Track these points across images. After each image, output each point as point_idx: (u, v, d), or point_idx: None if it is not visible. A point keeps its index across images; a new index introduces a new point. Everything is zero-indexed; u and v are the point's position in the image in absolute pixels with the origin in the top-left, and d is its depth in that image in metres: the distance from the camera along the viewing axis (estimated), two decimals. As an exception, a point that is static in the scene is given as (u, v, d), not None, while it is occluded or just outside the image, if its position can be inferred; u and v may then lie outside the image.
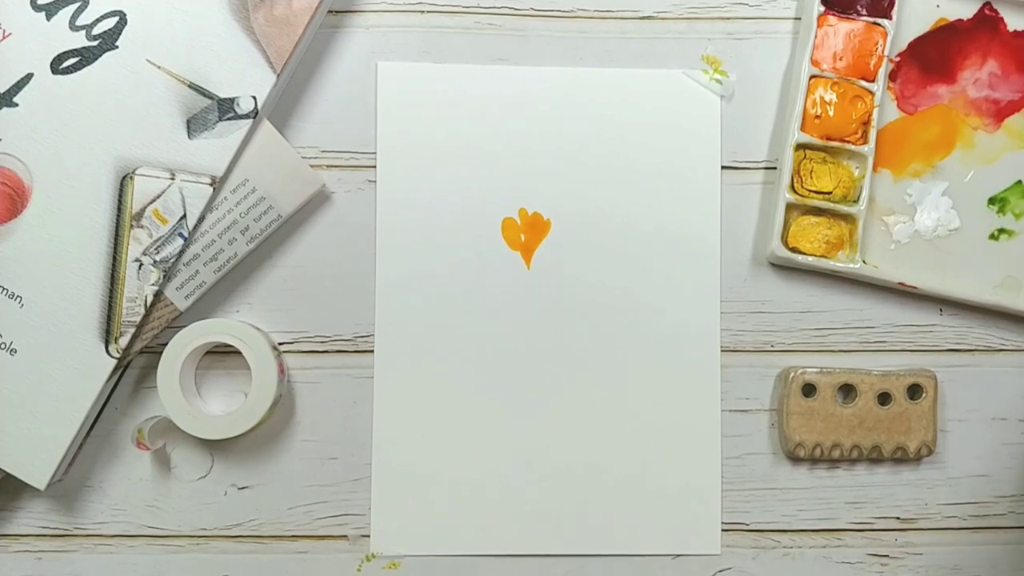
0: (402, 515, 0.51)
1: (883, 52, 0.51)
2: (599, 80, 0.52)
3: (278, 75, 0.48)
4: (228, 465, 0.51)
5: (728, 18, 0.53)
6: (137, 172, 0.48)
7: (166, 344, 0.48)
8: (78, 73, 0.48)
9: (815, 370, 0.51)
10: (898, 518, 0.52)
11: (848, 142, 0.51)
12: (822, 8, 0.51)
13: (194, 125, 0.48)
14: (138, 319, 0.48)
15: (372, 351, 0.51)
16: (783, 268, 0.52)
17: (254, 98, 0.48)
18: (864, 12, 0.51)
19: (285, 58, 0.48)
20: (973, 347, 0.53)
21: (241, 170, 0.49)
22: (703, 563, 0.52)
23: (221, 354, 0.51)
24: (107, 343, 0.48)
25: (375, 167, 0.52)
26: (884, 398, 0.52)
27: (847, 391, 0.52)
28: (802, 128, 0.51)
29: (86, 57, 0.48)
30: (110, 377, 0.48)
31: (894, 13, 0.51)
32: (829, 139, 0.51)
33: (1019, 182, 0.52)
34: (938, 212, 0.52)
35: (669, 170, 0.52)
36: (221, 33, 0.48)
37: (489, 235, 0.52)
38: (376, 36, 0.52)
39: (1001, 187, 0.52)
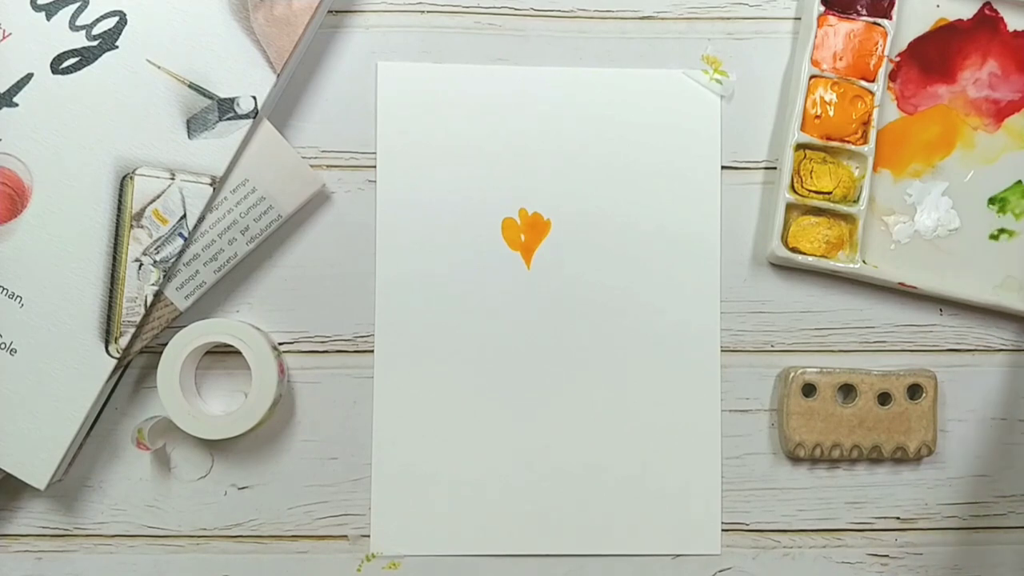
0: (402, 515, 0.51)
1: (883, 52, 0.51)
2: (599, 80, 0.52)
3: (278, 75, 0.48)
4: (228, 465, 0.51)
5: (728, 18, 0.53)
6: (137, 172, 0.48)
7: (166, 344, 0.48)
8: (78, 73, 0.48)
9: (815, 370, 0.51)
10: (898, 518, 0.52)
11: (848, 142, 0.51)
12: (822, 8, 0.51)
13: (194, 125, 0.48)
14: (138, 319, 0.48)
15: (372, 351, 0.51)
16: (783, 268, 0.52)
17: (254, 98, 0.48)
18: (864, 12, 0.51)
19: (285, 58, 0.48)
20: (973, 347, 0.53)
21: (241, 170, 0.49)
22: (703, 563, 0.52)
23: (221, 354, 0.51)
24: (107, 343, 0.48)
25: (375, 167, 0.52)
26: (884, 398, 0.52)
27: (847, 391, 0.52)
28: (802, 128, 0.51)
29: (86, 57, 0.48)
30: (110, 377, 0.48)
31: (894, 13, 0.51)
32: (829, 139, 0.51)
33: (1019, 182, 0.52)
34: (938, 212, 0.52)
35: (669, 170, 0.52)
36: (221, 33, 0.48)
37: (489, 235, 0.52)
38: (376, 36, 0.52)
39: (1001, 187, 0.52)
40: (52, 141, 0.47)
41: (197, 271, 0.49)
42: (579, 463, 0.51)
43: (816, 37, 0.51)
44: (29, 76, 0.47)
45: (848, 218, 0.51)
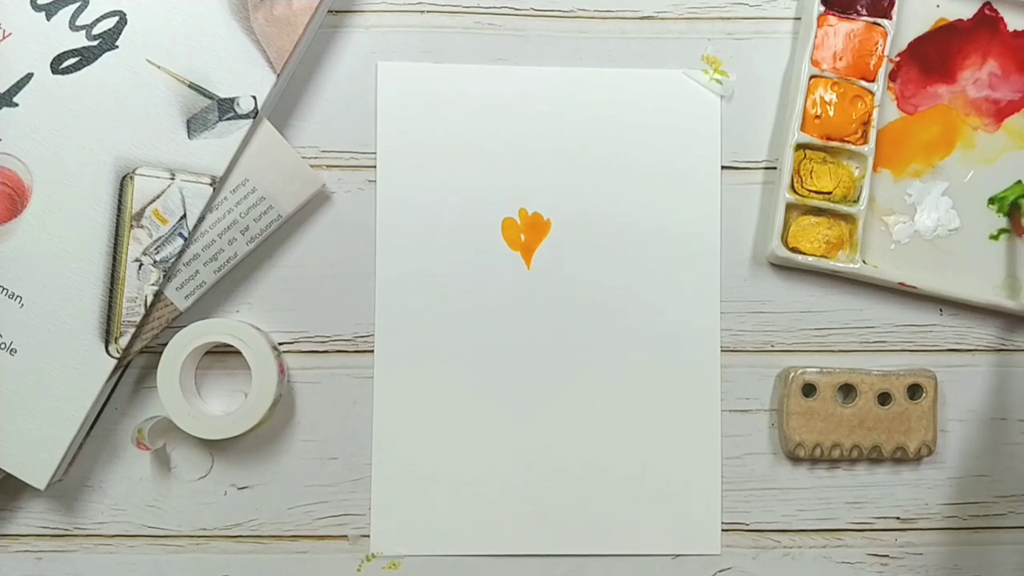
0: (402, 515, 0.51)
1: (883, 52, 0.51)
2: (599, 80, 0.52)
3: (278, 75, 0.48)
4: (228, 465, 0.51)
5: (728, 18, 0.53)
6: (137, 172, 0.48)
7: (166, 344, 0.48)
8: (78, 73, 0.48)
9: (815, 370, 0.51)
10: (898, 518, 0.52)
11: (848, 142, 0.51)
12: (822, 8, 0.51)
13: (194, 125, 0.48)
14: (138, 319, 0.48)
15: (372, 351, 0.51)
16: (783, 268, 0.52)
17: (254, 98, 0.48)
18: (864, 12, 0.51)
19: (285, 58, 0.48)
20: (973, 347, 0.53)
21: (241, 170, 0.49)
22: (703, 563, 0.52)
23: (221, 354, 0.51)
24: (107, 343, 0.48)
25: (375, 167, 0.52)
26: (884, 398, 0.52)
27: (847, 391, 0.52)
28: (802, 128, 0.51)
29: (86, 57, 0.48)
30: (110, 377, 0.48)
31: (894, 13, 0.51)
32: (829, 139, 0.51)
33: (1019, 182, 0.52)
34: (938, 212, 0.52)
35: (669, 170, 0.52)
36: (221, 33, 0.48)
37: (489, 235, 0.52)
38: (376, 36, 0.52)
39: (1001, 187, 0.52)
40: (52, 141, 0.47)
41: (197, 271, 0.49)
42: (579, 463, 0.51)
43: (816, 37, 0.51)
44: (29, 76, 0.47)
45: (848, 218, 0.51)
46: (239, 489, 0.51)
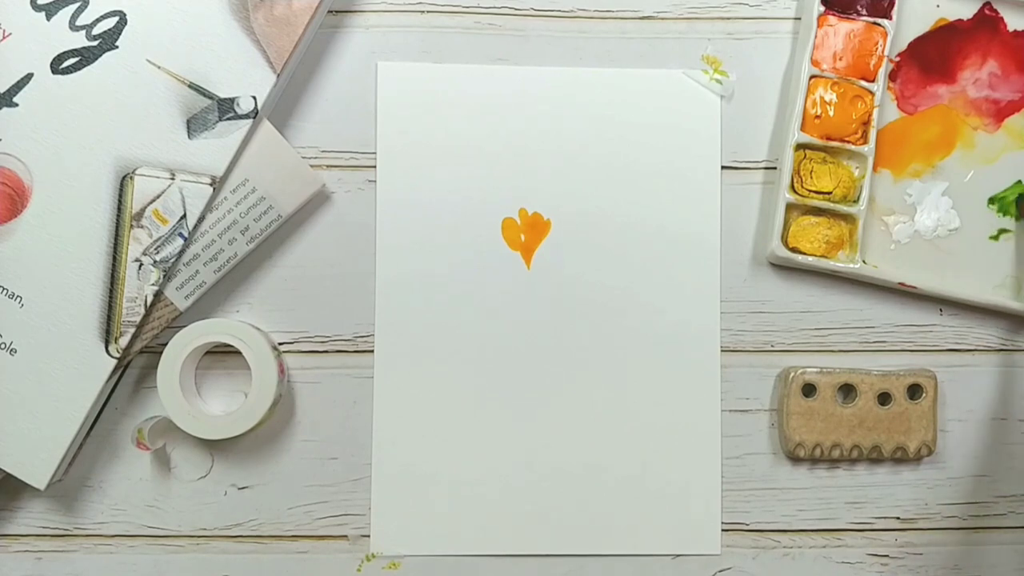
0: (402, 515, 0.51)
1: (883, 52, 0.51)
2: (599, 80, 0.52)
3: (278, 75, 0.48)
4: (228, 465, 0.51)
5: (728, 18, 0.53)
6: (137, 172, 0.48)
7: (166, 344, 0.48)
8: (78, 73, 0.48)
9: (815, 370, 0.51)
10: (898, 518, 0.52)
11: (848, 142, 0.51)
12: (822, 8, 0.51)
13: (194, 125, 0.48)
14: (138, 319, 0.48)
15: (372, 351, 0.51)
16: (783, 268, 0.52)
17: (254, 98, 0.48)
18: (864, 12, 0.51)
19: (285, 58, 0.48)
20: (973, 347, 0.53)
21: (241, 170, 0.49)
22: (703, 563, 0.52)
23: (221, 354, 0.51)
24: (107, 343, 0.48)
25: (375, 167, 0.52)
26: (884, 398, 0.52)
27: (847, 391, 0.52)
28: (802, 128, 0.51)
29: (86, 57, 0.48)
30: (110, 377, 0.48)
31: (894, 13, 0.51)
32: (829, 139, 0.51)
33: (1019, 182, 0.52)
34: (938, 212, 0.52)
35: (669, 170, 0.52)
36: (221, 33, 0.48)
37: (489, 235, 0.52)
38: (376, 36, 0.52)
39: (1001, 187, 0.52)
40: (52, 141, 0.47)
41: (197, 271, 0.49)
42: (579, 463, 0.51)
43: (816, 37, 0.51)
44: (29, 76, 0.47)
45: (848, 218, 0.51)
46: (239, 489, 0.51)
